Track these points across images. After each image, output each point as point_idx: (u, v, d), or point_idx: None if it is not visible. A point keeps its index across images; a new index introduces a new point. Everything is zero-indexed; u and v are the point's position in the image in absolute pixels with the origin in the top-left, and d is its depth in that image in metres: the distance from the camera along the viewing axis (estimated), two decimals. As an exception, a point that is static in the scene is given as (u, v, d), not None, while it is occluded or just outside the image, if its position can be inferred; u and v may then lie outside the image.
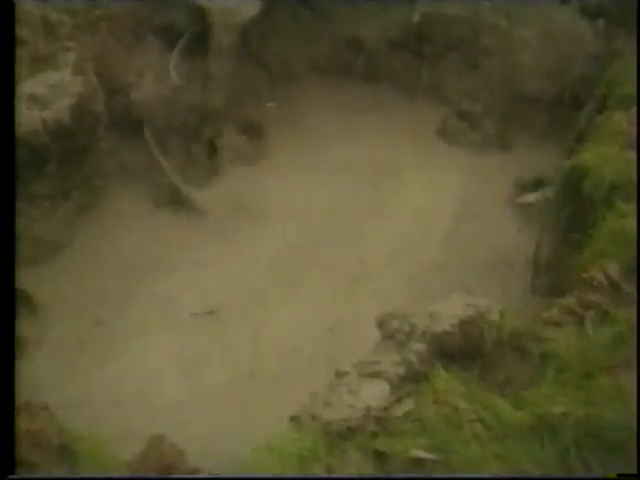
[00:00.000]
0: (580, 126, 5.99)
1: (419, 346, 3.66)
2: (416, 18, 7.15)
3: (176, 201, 6.50)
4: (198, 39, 6.78)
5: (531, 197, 6.10)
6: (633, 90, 5.29)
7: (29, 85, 5.54)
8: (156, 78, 6.49)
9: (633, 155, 4.56)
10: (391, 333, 3.83)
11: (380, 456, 3.29)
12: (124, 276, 6.03)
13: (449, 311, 3.76)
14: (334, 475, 3.21)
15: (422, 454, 3.27)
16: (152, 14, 6.58)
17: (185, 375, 5.43)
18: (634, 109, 5.11)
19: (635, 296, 3.90)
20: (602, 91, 5.88)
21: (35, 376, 5.09)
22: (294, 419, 3.60)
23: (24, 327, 5.24)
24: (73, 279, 5.95)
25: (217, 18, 6.58)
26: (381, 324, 3.92)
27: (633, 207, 4.25)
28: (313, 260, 6.19)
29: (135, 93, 6.36)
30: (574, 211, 4.75)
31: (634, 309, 3.80)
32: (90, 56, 5.92)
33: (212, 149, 6.87)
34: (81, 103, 5.68)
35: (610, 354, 3.61)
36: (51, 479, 3.19)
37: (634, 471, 3.15)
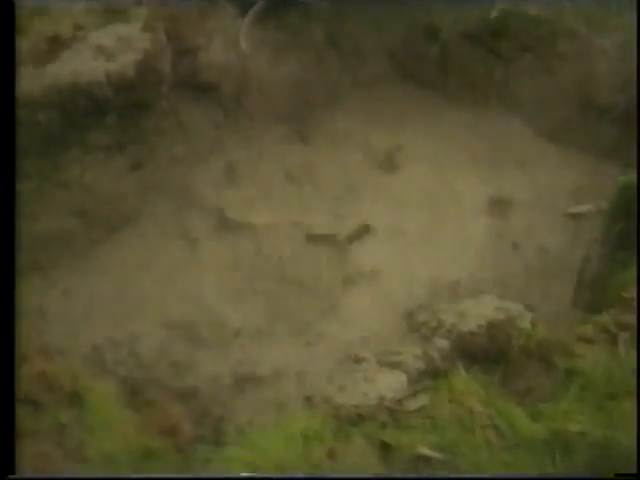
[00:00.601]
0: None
1: (443, 342, 3.61)
2: (494, 14, 6.98)
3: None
4: (272, 9, 6.76)
5: (583, 208, 5.94)
6: None
7: (97, 36, 5.55)
8: (226, 44, 6.47)
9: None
10: (417, 326, 3.79)
11: (385, 448, 3.25)
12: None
13: (478, 311, 3.70)
14: (335, 475, 3.18)
15: (428, 452, 3.23)
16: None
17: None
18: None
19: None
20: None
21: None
22: (308, 399, 3.59)
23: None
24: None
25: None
26: (409, 315, 3.88)
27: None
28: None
29: (203, 56, 6.34)
30: (624, 228, 4.61)
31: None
32: (161, 14, 5.92)
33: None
34: (147, 60, 5.69)
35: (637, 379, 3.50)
36: (51, 479, 3.21)
37: (634, 471, 3.07)
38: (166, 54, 5.93)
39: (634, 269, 4.20)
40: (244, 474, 3.13)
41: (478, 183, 6.66)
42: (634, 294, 3.93)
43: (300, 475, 3.17)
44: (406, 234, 6.15)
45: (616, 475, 3.02)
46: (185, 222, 6.27)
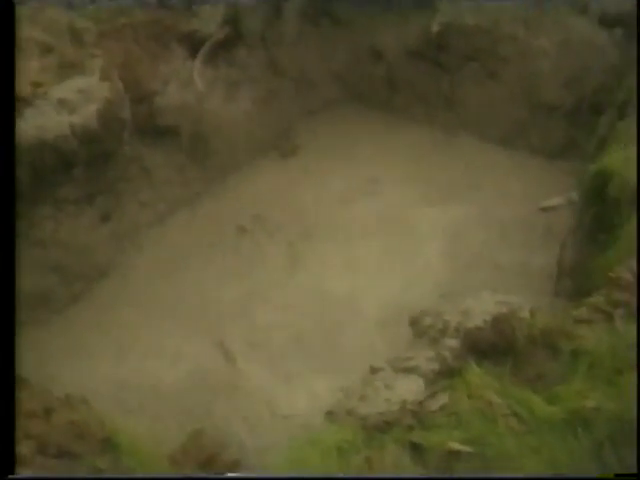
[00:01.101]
0: (601, 133, 6.05)
1: (452, 342, 3.72)
2: (435, 28, 7.22)
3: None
4: (221, 46, 6.90)
5: (554, 201, 6.14)
6: (654, 97, 5.36)
7: (58, 90, 5.60)
8: (180, 86, 6.57)
9: (656, 157, 4.63)
10: (424, 330, 3.89)
11: (417, 448, 3.34)
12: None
13: (481, 308, 3.82)
14: (338, 475, 3.25)
15: (458, 446, 3.32)
16: (176, 22, 6.65)
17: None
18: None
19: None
20: (622, 98, 5.94)
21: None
22: (329, 414, 3.65)
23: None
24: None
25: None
26: (414, 321, 3.98)
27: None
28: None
29: (160, 100, 6.42)
30: (598, 213, 4.80)
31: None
32: (116, 63, 5.99)
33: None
34: (108, 108, 5.75)
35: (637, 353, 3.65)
36: (51, 479, 3.20)
37: (634, 471, 3.18)
38: (124, 101, 6.00)
39: (614, 250, 4.38)
40: (237, 474, 3.16)
41: (429, 207, 6.84)
42: (621, 273, 4.11)
43: (299, 475, 3.24)
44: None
45: (616, 475, 3.14)
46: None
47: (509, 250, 6.21)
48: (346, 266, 6.27)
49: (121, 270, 6.31)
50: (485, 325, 3.73)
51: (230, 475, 3.18)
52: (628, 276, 4.09)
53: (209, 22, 6.82)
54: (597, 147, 5.91)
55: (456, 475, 3.27)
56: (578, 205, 5.39)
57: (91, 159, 5.86)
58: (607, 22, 6.84)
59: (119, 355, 5.61)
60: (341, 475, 3.25)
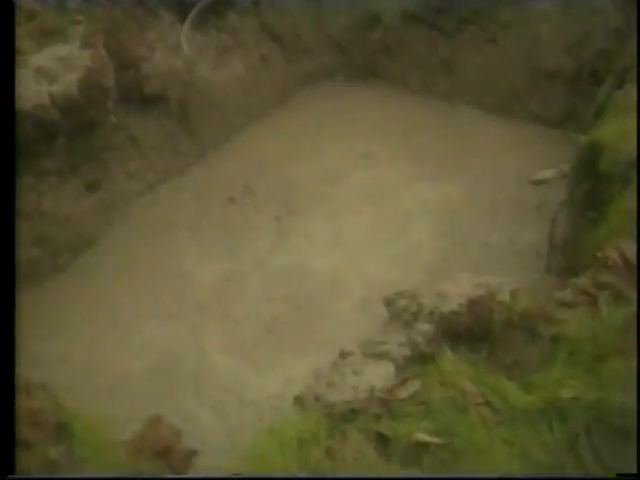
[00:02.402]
0: (599, 101, 5.80)
1: (425, 326, 3.55)
2: (433, -9, 6.98)
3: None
4: (210, 11, 6.68)
5: (546, 173, 5.92)
6: (653, 64, 5.10)
7: (37, 59, 5.43)
8: (168, 52, 6.36)
9: (652, 131, 4.39)
10: (398, 312, 3.72)
11: (382, 439, 3.19)
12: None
13: (457, 290, 3.64)
14: (337, 475, 3.12)
15: (426, 438, 3.17)
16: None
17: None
18: (654, 84, 4.93)
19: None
20: (621, 66, 5.69)
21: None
22: (298, 399, 3.51)
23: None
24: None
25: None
26: (388, 303, 3.81)
27: (650, 184, 4.10)
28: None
29: (146, 67, 6.22)
30: (590, 188, 4.59)
31: (649, 289, 3.67)
32: (99, 29, 5.79)
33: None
34: (90, 77, 5.57)
35: (623, 336, 3.46)
36: (51, 479, 3.14)
37: (634, 471, 3.03)
38: (108, 69, 5.82)
39: (604, 228, 4.18)
40: (245, 474, 3.06)
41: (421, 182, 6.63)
42: (609, 253, 3.91)
43: (298, 475, 3.12)
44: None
45: (619, 475, 2.99)
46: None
47: (499, 227, 6.03)
48: (333, 243, 6.11)
49: (107, 241, 6.18)
50: (461, 309, 3.55)
51: (230, 475, 3.07)
52: (615, 256, 3.89)
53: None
54: (595, 116, 5.68)
55: (456, 475, 3.12)
56: (570, 179, 5.17)
57: (74, 129, 5.69)
58: (610, -15, 6.56)
59: (92, 335, 5.48)
60: (341, 475, 3.11)
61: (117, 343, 5.47)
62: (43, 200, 5.72)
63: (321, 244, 6.10)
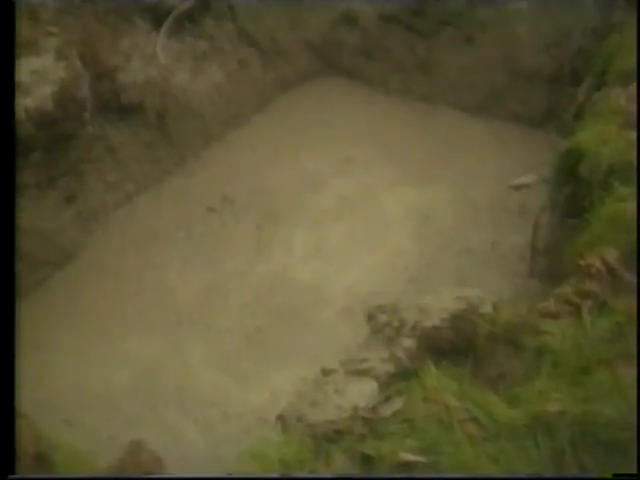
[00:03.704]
0: (578, 102, 5.78)
1: (408, 342, 3.50)
2: (410, -7, 6.93)
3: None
4: (187, 17, 6.61)
5: (527, 178, 5.90)
6: (632, 65, 5.06)
7: (10, 72, 5.33)
8: (144, 61, 6.29)
9: (632, 135, 4.34)
10: (380, 328, 3.67)
11: (367, 460, 3.14)
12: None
13: (439, 304, 3.59)
14: (335, 475, 3.08)
15: (410, 457, 3.12)
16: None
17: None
18: (633, 85, 4.89)
19: (634, 284, 3.72)
20: (600, 66, 5.66)
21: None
22: (280, 418, 3.45)
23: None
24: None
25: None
26: (370, 317, 3.76)
27: (632, 190, 4.06)
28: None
29: (122, 77, 6.15)
30: (571, 193, 4.55)
31: (633, 298, 3.62)
32: (74, 40, 5.71)
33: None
34: (65, 89, 5.49)
35: (608, 346, 3.43)
36: (51, 479, 3.10)
37: (634, 471, 3.00)
38: (83, 81, 5.73)
39: (586, 234, 4.15)
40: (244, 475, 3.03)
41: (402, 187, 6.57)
42: (591, 260, 3.88)
43: (297, 475, 3.08)
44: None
45: (616, 475, 2.96)
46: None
47: (482, 231, 5.99)
48: (314, 251, 6.06)
49: (86, 254, 6.11)
50: (443, 323, 3.51)
51: (228, 475, 3.03)
52: (598, 264, 3.85)
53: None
54: (575, 117, 5.66)
55: (456, 475, 3.08)
56: (551, 183, 5.14)
57: (50, 142, 5.62)
58: (587, -17, 6.53)
59: (73, 350, 5.43)
60: (340, 475, 3.07)
61: (99, 357, 5.42)
62: (22, 214, 5.62)
63: (302, 253, 6.05)
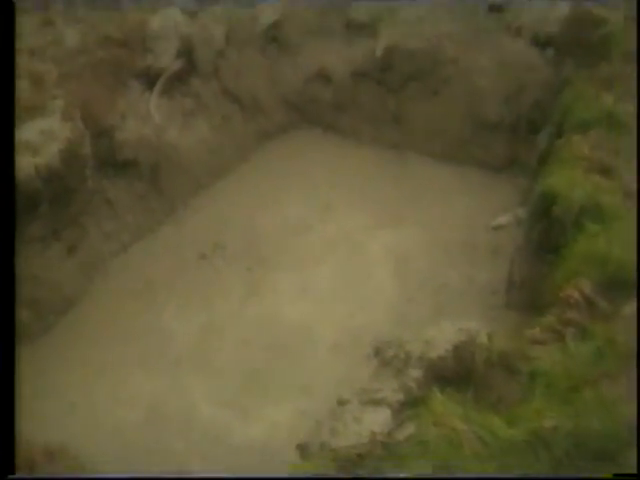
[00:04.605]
0: (540, 149, 6.10)
1: (416, 372, 3.71)
2: (379, 53, 7.24)
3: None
4: (176, 78, 6.84)
5: (503, 219, 6.19)
6: (587, 116, 5.41)
7: (21, 132, 5.49)
8: (138, 119, 6.49)
9: (598, 179, 4.68)
10: (387, 360, 3.88)
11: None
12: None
13: (442, 337, 3.82)
14: (332, 475, 3.23)
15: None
16: (132, 58, 6.57)
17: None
18: (592, 133, 5.23)
19: (609, 311, 4.01)
20: (558, 117, 6.00)
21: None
22: (300, 447, 3.62)
23: None
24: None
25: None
26: (377, 352, 3.96)
27: (602, 227, 4.36)
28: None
29: (119, 135, 6.34)
30: (545, 232, 4.83)
31: (610, 324, 3.91)
32: (76, 102, 5.90)
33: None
34: (70, 147, 5.67)
35: (591, 368, 3.69)
36: (51, 479, 3.10)
37: (634, 471, 3.20)
38: (86, 139, 5.92)
39: (563, 268, 4.42)
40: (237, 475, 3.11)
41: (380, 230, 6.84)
42: (570, 292, 4.16)
43: (297, 475, 3.21)
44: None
45: (616, 475, 3.18)
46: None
47: (457, 269, 6.27)
48: (302, 292, 6.26)
49: (88, 301, 6.23)
50: (447, 354, 3.74)
51: (230, 475, 3.13)
52: (577, 295, 4.14)
53: (164, 56, 6.75)
54: (539, 163, 5.97)
55: (456, 475, 3.26)
56: (525, 223, 5.43)
57: (55, 196, 5.78)
58: (539, 42, 6.92)
59: (81, 392, 5.56)
60: (339, 475, 3.22)
61: (106, 398, 5.54)
62: (29, 264, 5.75)
63: (291, 294, 6.25)
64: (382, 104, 7.59)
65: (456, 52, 7.13)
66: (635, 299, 3.97)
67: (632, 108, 5.29)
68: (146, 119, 6.54)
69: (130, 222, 6.63)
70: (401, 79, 7.44)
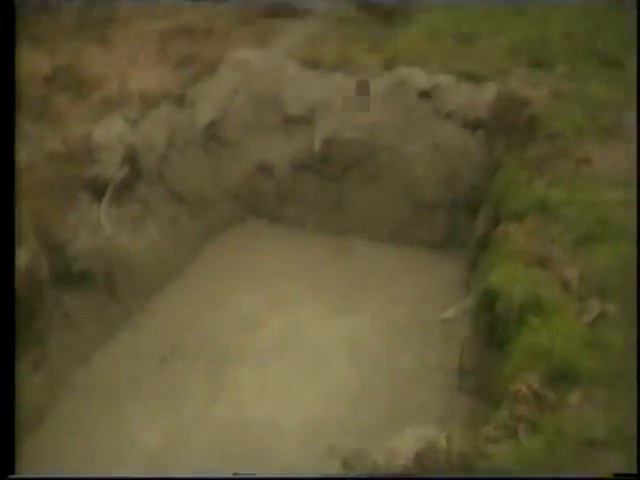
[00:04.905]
0: (478, 232, 6.42)
1: (381, 481, 3.91)
2: (317, 146, 7.55)
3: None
4: (123, 185, 7.01)
5: (450, 313, 6.44)
6: (521, 205, 5.72)
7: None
8: (90, 231, 6.62)
9: (536, 272, 4.95)
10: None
11: None
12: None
13: (404, 446, 4.03)
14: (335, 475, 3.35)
15: None
16: (79, 170, 6.72)
17: None
18: (527, 221, 5.52)
19: (556, 402, 4.27)
20: (493, 200, 6.31)
21: None
22: None
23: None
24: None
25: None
26: (345, 463, 4.14)
27: (544, 320, 4.61)
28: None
29: (72, 248, 6.46)
30: (491, 325, 5.07)
31: (558, 415, 4.16)
32: (29, 223, 6.00)
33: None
34: (28, 273, 5.77)
35: (544, 461, 3.94)
36: (51, 479, 3.10)
37: (634, 471, 3.42)
38: (42, 261, 6.03)
39: (509, 363, 4.66)
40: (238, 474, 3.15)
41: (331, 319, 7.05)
42: (518, 386, 4.40)
43: (298, 475, 3.31)
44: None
45: (616, 475, 3.31)
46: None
47: (409, 351, 6.53)
48: (262, 389, 6.40)
49: (55, 414, 6.25)
50: (409, 462, 3.95)
51: (230, 476, 3.18)
52: (525, 390, 4.38)
53: (109, 165, 6.92)
54: (478, 246, 6.27)
55: (456, 475, 3.43)
56: (472, 314, 5.69)
57: (19, 317, 5.82)
58: (469, 125, 7.28)
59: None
60: (341, 475, 3.32)
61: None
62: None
63: (253, 391, 6.38)
64: (323, 193, 7.89)
65: (390, 139, 7.47)
66: (580, 389, 4.25)
67: (563, 195, 5.61)
68: (97, 229, 6.67)
69: (89, 333, 6.70)
70: (340, 168, 7.77)
